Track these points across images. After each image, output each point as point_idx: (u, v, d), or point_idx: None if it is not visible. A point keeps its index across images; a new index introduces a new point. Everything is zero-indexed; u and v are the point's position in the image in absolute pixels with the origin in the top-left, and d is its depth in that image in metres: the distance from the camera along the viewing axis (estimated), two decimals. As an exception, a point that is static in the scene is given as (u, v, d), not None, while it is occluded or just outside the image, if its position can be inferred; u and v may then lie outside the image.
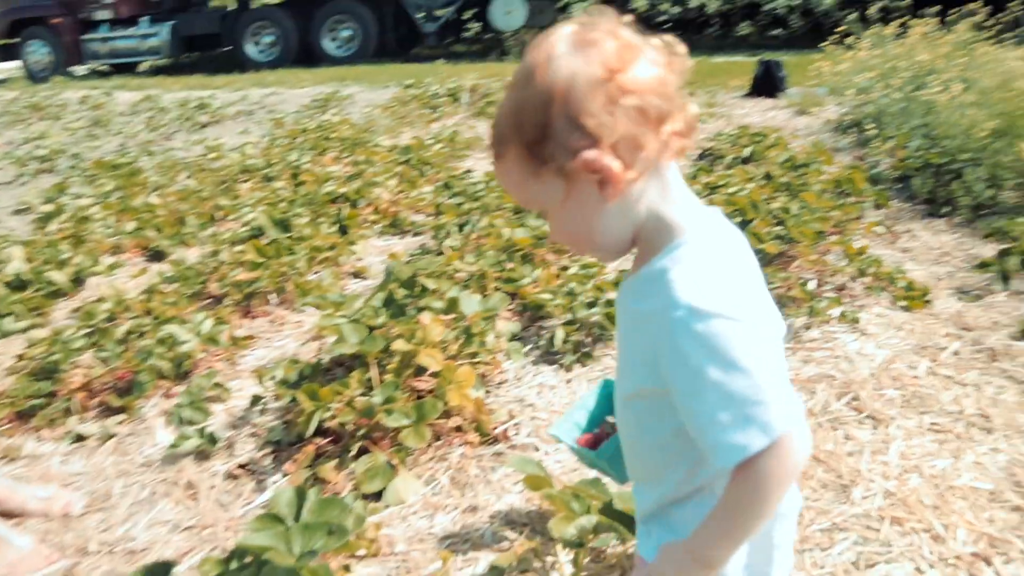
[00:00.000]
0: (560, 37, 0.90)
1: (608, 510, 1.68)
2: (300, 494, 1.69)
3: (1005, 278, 3.21)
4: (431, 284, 2.85)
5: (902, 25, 6.73)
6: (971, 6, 6.49)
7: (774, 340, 0.96)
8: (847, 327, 2.89)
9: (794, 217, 3.52)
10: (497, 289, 3.19)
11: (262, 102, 9.58)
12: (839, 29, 7.27)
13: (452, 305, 2.76)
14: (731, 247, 0.97)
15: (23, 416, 2.69)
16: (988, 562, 1.77)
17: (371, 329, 2.61)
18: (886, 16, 7.57)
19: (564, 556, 1.84)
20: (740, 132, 6.02)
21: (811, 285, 3.10)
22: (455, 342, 2.70)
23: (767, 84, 9.00)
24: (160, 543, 2.11)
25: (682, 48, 0.92)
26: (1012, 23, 7.93)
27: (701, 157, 5.93)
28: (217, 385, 2.72)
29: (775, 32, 20.24)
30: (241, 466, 2.39)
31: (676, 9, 20.52)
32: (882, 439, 2.24)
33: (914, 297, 3.08)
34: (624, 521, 1.64)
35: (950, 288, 3.25)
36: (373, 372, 2.49)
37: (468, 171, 5.40)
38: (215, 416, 2.64)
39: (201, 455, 2.45)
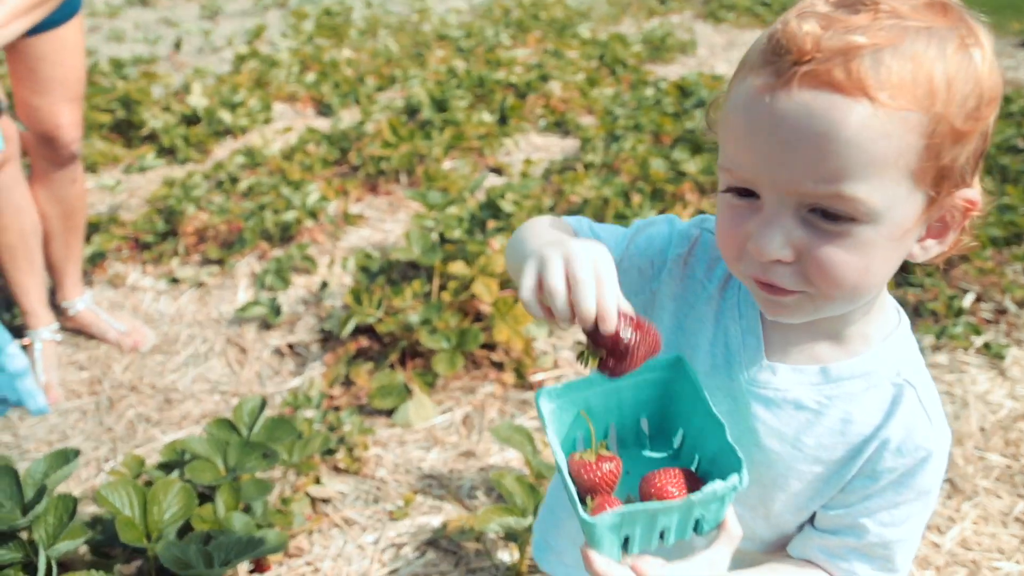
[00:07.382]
0: None
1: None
2: (263, 406, 1.70)
3: None
4: (509, 207, 2.69)
5: None
6: None
7: None
8: (985, 361, 2.42)
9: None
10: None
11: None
12: None
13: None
14: None
15: (141, 247, 2.92)
16: None
17: (443, 241, 2.53)
18: None
19: (506, 555, 1.74)
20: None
21: (967, 300, 2.62)
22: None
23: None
24: (194, 400, 2.25)
25: None
26: None
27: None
28: (307, 258, 2.79)
29: None
30: (290, 345, 2.47)
31: None
32: (949, 514, 1.88)
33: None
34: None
35: None
36: (434, 286, 2.44)
37: (662, 79, 5.02)
38: (293, 288, 2.73)
39: (263, 324, 2.56)
